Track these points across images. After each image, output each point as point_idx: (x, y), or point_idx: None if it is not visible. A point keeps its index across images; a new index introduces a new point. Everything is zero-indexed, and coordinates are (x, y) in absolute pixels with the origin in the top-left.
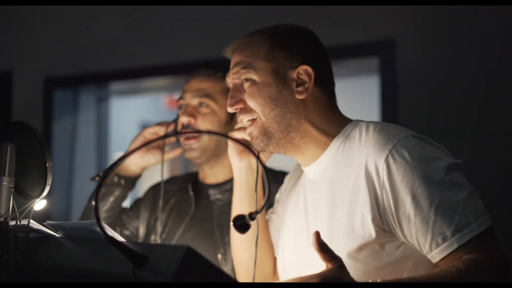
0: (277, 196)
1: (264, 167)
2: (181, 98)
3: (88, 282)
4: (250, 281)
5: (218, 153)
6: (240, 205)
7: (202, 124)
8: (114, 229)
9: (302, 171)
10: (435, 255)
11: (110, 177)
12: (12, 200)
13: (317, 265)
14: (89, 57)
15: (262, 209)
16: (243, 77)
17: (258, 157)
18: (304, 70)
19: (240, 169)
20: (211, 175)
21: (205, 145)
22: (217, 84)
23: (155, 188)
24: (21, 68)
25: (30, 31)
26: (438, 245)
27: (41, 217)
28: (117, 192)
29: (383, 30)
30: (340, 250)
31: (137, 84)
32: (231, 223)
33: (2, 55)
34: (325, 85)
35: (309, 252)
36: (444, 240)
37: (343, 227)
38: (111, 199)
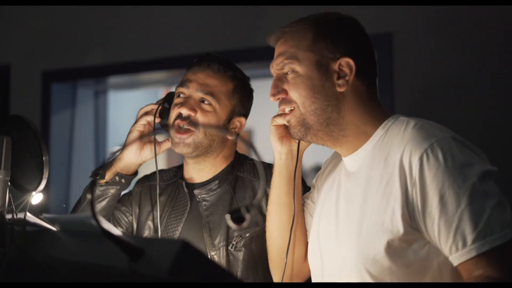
0: (314, 181)
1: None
2: (183, 86)
3: (85, 277)
4: (282, 265)
5: (209, 151)
6: (278, 189)
7: (202, 120)
8: None
9: (341, 158)
10: (454, 259)
11: (110, 176)
12: (9, 194)
13: (343, 254)
14: (87, 51)
15: (258, 202)
16: (286, 67)
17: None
18: (345, 62)
19: (280, 153)
20: (196, 172)
21: (198, 141)
22: (224, 85)
23: (142, 183)
24: (19, 61)
25: (28, 25)
26: (457, 249)
27: (39, 211)
28: (113, 190)
29: (380, 24)
30: (369, 242)
31: (135, 78)
32: (227, 215)
33: (0, 49)
34: (366, 78)
35: (335, 240)
36: (464, 245)
37: (373, 220)
38: (108, 197)
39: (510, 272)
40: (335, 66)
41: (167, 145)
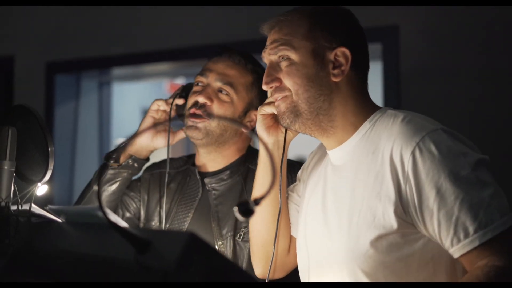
0: (299, 174)
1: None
2: (202, 75)
3: (90, 269)
4: (266, 258)
5: (220, 141)
6: (263, 180)
7: (218, 110)
8: (116, 211)
9: (325, 151)
10: (456, 250)
11: (123, 159)
12: (14, 185)
13: (333, 250)
14: (91, 42)
15: (267, 194)
16: (280, 54)
17: (285, 135)
18: (342, 52)
19: (267, 144)
20: (207, 162)
21: (210, 129)
22: (243, 76)
23: (151, 170)
24: (23, 52)
25: (32, 16)
26: (459, 241)
27: (43, 202)
28: (125, 174)
29: (386, 16)
30: (360, 237)
31: (139, 70)
32: (235, 208)
33: (4, 40)
34: (360, 70)
35: (324, 236)
36: (466, 236)
37: (363, 215)
38: (119, 181)
39: None
40: (331, 56)
41: (181, 135)
